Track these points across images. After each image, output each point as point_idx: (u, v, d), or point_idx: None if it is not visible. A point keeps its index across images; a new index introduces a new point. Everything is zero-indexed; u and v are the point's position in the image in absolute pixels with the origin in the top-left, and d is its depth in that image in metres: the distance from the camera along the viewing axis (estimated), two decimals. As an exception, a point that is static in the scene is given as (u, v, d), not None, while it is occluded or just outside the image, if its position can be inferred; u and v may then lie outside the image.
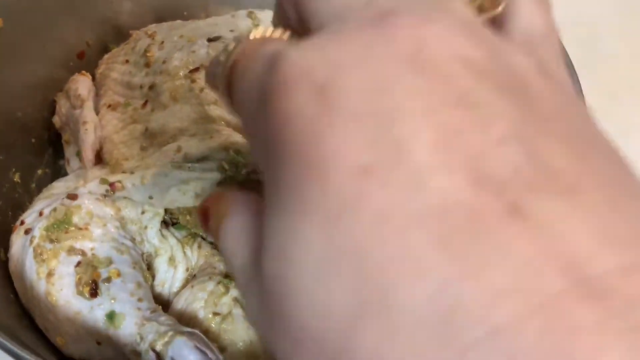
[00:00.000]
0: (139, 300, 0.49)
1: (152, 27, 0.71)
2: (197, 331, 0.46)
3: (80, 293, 0.49)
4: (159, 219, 0.56)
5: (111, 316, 0.48)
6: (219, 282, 0.53)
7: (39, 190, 0.65)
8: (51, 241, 0.51)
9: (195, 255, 0.56)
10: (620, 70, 0.78)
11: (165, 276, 0.55)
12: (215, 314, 0.51)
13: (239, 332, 0.51)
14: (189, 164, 0.54)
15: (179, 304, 0.52)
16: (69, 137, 0.66)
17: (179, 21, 0.73)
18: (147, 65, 0.64)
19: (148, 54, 0.65)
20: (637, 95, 0.81)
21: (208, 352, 0.44)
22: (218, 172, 0.53)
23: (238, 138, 0.54)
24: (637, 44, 0.87)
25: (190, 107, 0.57)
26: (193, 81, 0.58)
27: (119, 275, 0.50)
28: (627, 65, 0.84)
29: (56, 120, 0.67)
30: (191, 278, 0.55)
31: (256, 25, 0.66)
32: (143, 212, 0.56)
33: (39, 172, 0.67)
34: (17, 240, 0.54)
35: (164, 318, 0.48)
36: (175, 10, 0.77)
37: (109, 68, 0.68)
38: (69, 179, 0.59)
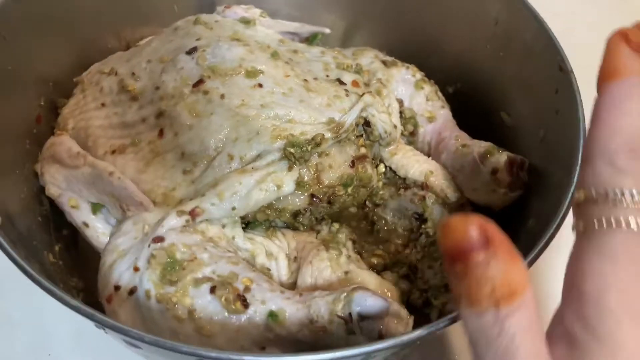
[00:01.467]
0: (282, 292, 0.52)
1: (99, 67, 0.69)
2: (357, 285, 0.51)
3: (234, 310, 0.50)
4: (238, 225, 0.58)
5: (273, 315, 0.50)
6: (328, 249, 0.57)
7: (68, 264, 0.61)
8: (172, 283, 0.51)
9: (285, 242, 0.59)
10: (596, 60, 0.87)
11: (271, 269, 0.58)
12: (346, 272, 0.56)
13: (367, 277, 0.57)
14: (251, 165, 0.56)
15: (306, 281, 0.55)
16: (77, 201, 0.62)
17: (120, 52, 0.72)
18: (134, 99, 0.63)
19: (128, 89, 0.63)
20: None
21: (379, 295, 0.50)
22: (284, 160, 0.56)
23: (282, 124, 0.58)
24: (607, 34, 0.98)
25: (219, 116, 0.58)
26: (206, 92, 0.60)
27: (251, 281, 0.52)
28: (600, 54, 0.93)
29: (53, 189, 0.62)
30: (292, 261, 0.58)
31: (209, 28, 0.68)
32: (223, 226, 0.57)
33: (57, 248, 0.63)
34: (123, 306, 0.52)
35: (316, 292, 0.51)
36: (97, 49, 0.74)
37: (83, 119, 0.65)
38: (125, 230, 0.57)
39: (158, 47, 0.67)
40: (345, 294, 0.49)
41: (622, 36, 0.34)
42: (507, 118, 0.69)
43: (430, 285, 0.59)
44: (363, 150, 0.61)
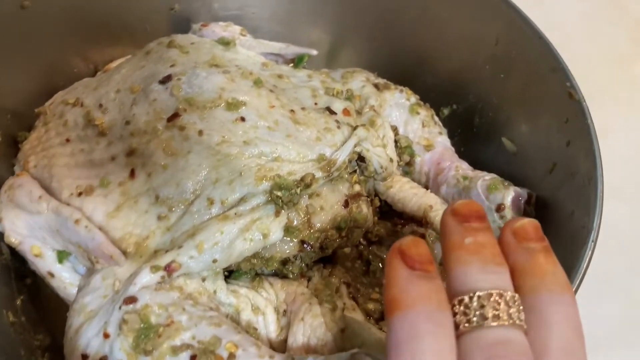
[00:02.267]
0: (270, 357, 0.46)
1: (64, 96, 0.63)
2: (356, 349, 0.45)
3: (217, 383, 0.44)
4: (221, 277, 0.52)
5: (262, 387, 0.44)
6: (322, 303, 0.52)
7: (32, 318, 0.55)
8: (146, 353, 0.45)
9: (273, 293, 0.54)
10: (592, 71, 0.83)
11: (258, 326, 0.52)
12: (342, 330, 0.50)
13: (365, 334, 0.51)
14: (235, 211, 0.51)
15: (298, 340, 0.50)
16: (41, 249, 0.56)
17: (86, 79, 0.65)
18: (102, 134, 0.57)
19: (96, 122, 0.57)
20: (611, 96, 0.86)
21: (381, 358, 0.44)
22: (270, 204, 0.51)
23: (268, 163, 0.52)
24: (604, 46, 0.93)
25: (197, 155, 0.52)
26: (182, 128, 0.54)
27: (236, 346, 0.46)
28: (598, 66, 0.89)
29: (13, 237, 0.56)
30: (281, 315, 0.53)
31: (184, 52, 0.62)
32: (204, 280, 0.51)
33: (18, 301, 0.57)
34: (92, 377, 0.46)
35: (309, 358, 0.46)
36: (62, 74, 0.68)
37: (45, 156, 0.58)
38: (94, 287, 0.51)
39: (128, 74, 0.61)
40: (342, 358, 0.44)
41: (398, 252, 0.32)
42: (509, 144, 0.64)
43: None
44: (357, 187, 0.56)
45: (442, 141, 0.65)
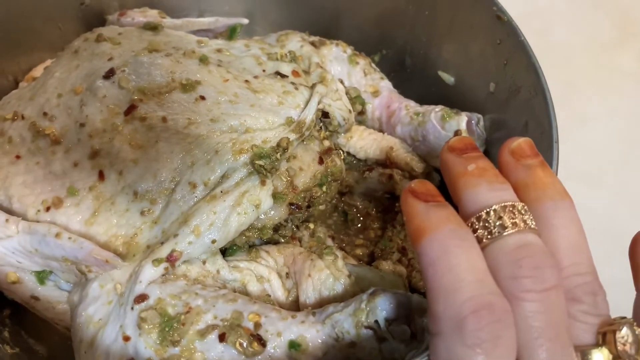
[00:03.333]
0: (293, 317, 0.48)
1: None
2: (373, 288, 0.48)
3: (252, 353, 0.45)
4: (219, 256, 0.53)
5: (294, 345, 0.46)
6: (321, 256, 0.53)
7: (26, 348, 0.53)
8: (174, 344, 0.45)
9: (272, 260, 0.55)
10: (574, 59, 0.79)
11: (269, 293, 0.53)
12: (348, 276, 0.52)
13: (369, 275, 0.54)
14: (220, 189, 0.51)
15: (310, 296, 0.51)
16: (17, 275, 0.53)
17: (16, 91, 0.61)
18: (56, 142, 0.54)
19: (46, 132, 0.54)
20: (592, 83, 0.82)
21: (399, 292, 0.47)
22: (253, 175, 0.51)
23: (241, 136, 0.53)
24: (587, 32, 0.88)
25: (166, 142, 0.52)
26: (143, 119, 0.52)
27: (259, 315, 0.47)
28: (580, 54, 0.84)
29: (-16, 269, 0.52)
30: (285, 278, 0.54)
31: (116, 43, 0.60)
32: (204, 263, 0.51)
33: (6, 333, 0.54)
34: (121, 383, 0.45)
35: (330, 307, 0.48)
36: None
37: (1, 173, 0.54)
38: (94, 296, 0.49)
39: (63, 76, 0.58)
40: (365, 301, 0.46)
41: (410, 193, 0.36)
42: (446, 77, 0.68)
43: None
44: (327, 143, 0.57)
45: (386, 85, 0.68)
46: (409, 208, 0.35)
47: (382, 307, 0.45)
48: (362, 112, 0.66)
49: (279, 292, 0.53)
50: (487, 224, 0.35)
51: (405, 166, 0.62)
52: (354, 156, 0.64)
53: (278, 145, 0.52)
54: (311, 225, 0.60)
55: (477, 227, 0.35)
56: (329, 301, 0.51)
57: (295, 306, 0.52)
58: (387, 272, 0.55)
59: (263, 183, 0.51)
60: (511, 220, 0.34)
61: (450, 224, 0.34)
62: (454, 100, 0.66)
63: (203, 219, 0.49)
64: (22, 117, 0.56)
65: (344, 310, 0.46)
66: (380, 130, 0.66)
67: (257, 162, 0.51)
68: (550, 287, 0.32)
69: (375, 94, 0.66)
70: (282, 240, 0.56)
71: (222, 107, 0.53)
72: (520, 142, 0.38)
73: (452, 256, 0.33)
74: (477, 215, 0.35)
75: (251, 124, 0.53)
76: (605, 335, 0.34)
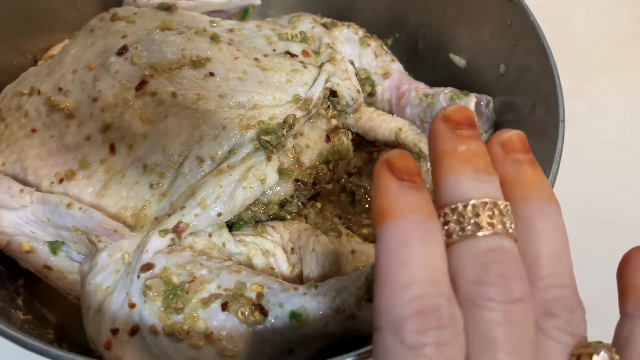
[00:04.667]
0: (295, 289, 0.48)
1: (14, 88, 0.60)
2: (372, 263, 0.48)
3: (254, 322, 0.46)
4: (225, 229, 0.54)
5: (295, 316, 0.46)
6: (325, 232, 0.54)
7: (38, 316, 0.55)
8: (178, 311, 0.46)
9: (277, 235, 0.55)
10: (590, 50, 0.77)
11: (274, 266, 0.54)
12: (352, 251, 0.53)
13: (371, 251, 0.54)
14: (227, 164, 0.52)
15: (313, 271, 0.52)
16: (30, 244, 0.55)
17: (34, 68, 0.63)
18: (70, 116, 0.56)
19: (60, 106, 0.56)
20: (608, 75, 0.81)
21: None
22: (260, 150, 0.52)
23: (248, 112, 0.53)
24: (605, 24, 0.87)
25: (175, 117, 0.53)
26: (153, 94, 0.54)
27: (261, 286, 0.48)
28: (597, 45, 0.83)
29: (0, 238, 0.54)
30: (289, 253, 0.55)
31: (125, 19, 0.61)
32: (210, 236, 0.52)
33: (19, 301, 0.56)
34: (127, 349, 0.47)
35: (331, 280, 0.48)
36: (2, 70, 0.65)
37: (13, 152, 0.56)
38: (103, 265, 0.50)
39: (79, 53, 0.59)
40: (366, 274, 0.46)
41: (386, 164, 0.31)
42: (458, 60, 0.68)
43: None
44: (334, 121, 0.58)
45: (397, 67, 0.68)
46: (380, 182, 0.31)
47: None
48: (371, 94, 0.66)
49: (283, 266, 0.54)
50: (461, 219, 0.31)
51: (413, 147, 0.62)
52: (362, 137, 0.65)
53: (284, 121, 0.53)
54: (318, 204, 0.61)
55: (449, 219, 0.31)
56: (332, 275, 0.51)
57: (299, 280, 0.53)
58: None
59: (269, 159, 0.52)
60: (488, 221, 0.31)
61: (419, 213, 0.30)
62: (465, 82, 0.66)
63: (209, 192, 0.50)
64: (39, 92, 0.57)
65: (345, 283, 0.47)
66: (390, 112, 0.67)
67: (263, 137, 0.51)
68: (515, 299, 0.30)
69: (386, 75, 0.67)
70: (288, 217, 0.57)
71: (230, 83, 0.54)
72: (512, 135, 0.35)
73: (411, 250, 0.29)
74: (453, 206, 0.31)
75: (259, 101, 0.54)
76: (579, 358, 0.31)
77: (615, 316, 0.34)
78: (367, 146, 0.65)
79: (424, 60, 0.73)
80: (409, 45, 0.74)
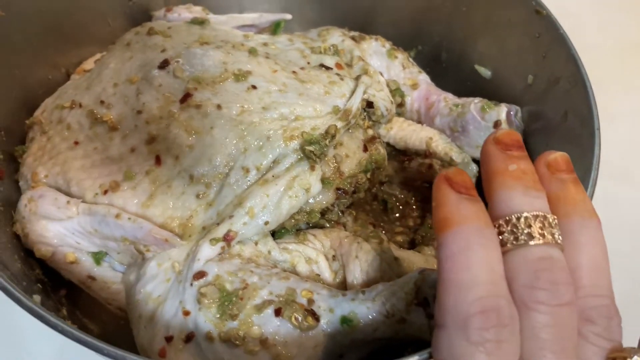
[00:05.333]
0: (344, 295, 0.50)
1: (55, 102, 0.61)
2: (421, 267, 0.49)
3: (307, 327, 0.47)
4: (270, 238, 0.55)
5: (346, 321, 0.47)
6: (367, 239, 0.55)
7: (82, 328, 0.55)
8: (233, 317, 0.47)
9: (319, 242, 0.57)
10: (602, 60, 0.78)
11: (319, 272, 0.55)
12: (395, 258, 0.54)
13: (413, 258, 0.55)
14: (272, 173, 0.53)
15: (357, 277, 0.53)
16: (75, 255, 0.55)
17: (72, 81, 0.64)
18: (114, 129, 0.57)
19: (103, 119, 0.57)
20: (620, 84, 0.84)
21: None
22: (306, 160, 0.53)
23: (291, 124, 0.55)
24: (616, 34, 0.90)
25: (221, 129, 0.54)
26: (198, 106, 0.55)
27: (311, 292, 0.49)
28: (608, 55, 0.86)
29: (44, 249, 0.55)
30: (331, 260, 0.56)
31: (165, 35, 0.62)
32: (256, 244, 0.53)
33: (64, 312, 0.56)
34: (182, 357, 0.47)
35: (379, 286, 0.49)
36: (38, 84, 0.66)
37: (56, 164, 0.57)
38: (152, 274, 0.51)
39: (118, 67, 0.60)
40: (415, 279, 0.48)
41: (445, 180, 0.35)
42: (483, 71, 0.70)
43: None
44: (370, 131, 0.59)
45: (424, 78, 0.70)
46: (441, 195, 0.35)
47: (431, 285, 0.47)
48: (401, 104, 0.68)
49: (326, 273, 0.55)
50: (515, 230, 0.34)
51: (444, 156, 0.64)
52: (393, 147, 0.66)
53: (326, 132, 0.54)
54: (354, 212, 0.62)
55: (504, 230, 0.35)
56: (376, 281, 0.53)
57: (342, 287, 0.54)
58: (430, 256, 0.57)
59: (312, 168, 0.53)
60: (539, 232, 0.34)
61: (478, 221, 0.34)
62: (490, 93, 0.68)
63: (257, 201, 0.51)
64: (80, 105, 0.58)
65: (393, 289, 0.48)
66: (419, 122, 0.68)
67: (307, 147, 0.53)
68: (564, 303, 0.32)
69: (414, 86, 0.68)
70: (328, 225, 0.58)
71: (272, 96, 0.56)
72: (557, 156, 0.38)
73: (472, 253, 0.33)
74: (507, 218, 0.35)
75: (300, 112, 0.55)
76: None
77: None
78: (398, 155, 0.66)
79: (447, 71, 0.75)
80: (432, 57, 0.76)
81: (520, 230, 0.34)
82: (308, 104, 0.56)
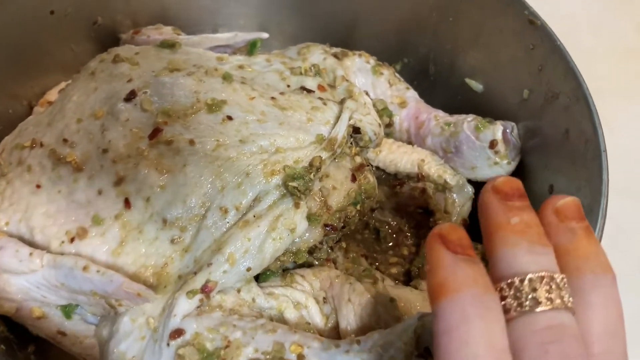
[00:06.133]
0: (337, 346, 0.45)
1: (13, 140, 0.56)
2: (420, 312, 0.45)
3: (298, 388, 0.43)
4: (253, 283, 0.50)
5: (341, 377, 0.43)
6: (360, 279, 0.51)
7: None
8: (214, 381, 0.42)
9: (307, 284, 0.52)
10: (597, 65, 0.74)
11: (308, 320, 0.51)
12: (390, 300, 0.50)
13: (410, 296, 0.51)
14: (252, 213, 0.48)
15: (351, 322, 0.49)
16: (42, 309, 0.51)
17: (32, 117, 0.59)
18: (78, 169, 0.52)
19: (67, 159, 0.52)
20: (617, 90, 0.80)
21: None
22: (286, 197, 0.49)
23: (271, 157, 0.50)
24: (610, 38, 0.86)
25: (195, 166, 0.49)
26: (168, 143, 0.50)
27: (300, 346, 0.45)
28: (603, 60, 0.83)
29: (7, 305, 0.50)
30: (322, 303, 0.51)
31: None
32: (239, 291, 0.49)
33: None
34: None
35: (375, 335, 0.45)
36: None
37: (17, 210, 0.52)
38: (125, 332, 0.47)
39: (81, 100, 0.55)
40: (414, 327, 0.43)
41: (439, 238, 0.32)
42: (474, 84, 0.66)
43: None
44: (358, 159, 0.55)
45: (412, 95, 0.65)
46: (434, 257, 0.31)
47: (431, 333, 0.42)
48: (389, 125, 0.64)
49: (317, 318, 0.51)
50: (518, 294, 0.31)
51: (438, 179, 0.60)
52: (383, 170, 0.62)
53: (310, 164, 0.50)
54: (343, 244, 0.58)
55: (506, 294, 0.31)
56: (371, 326, 0.48)
57: (334, 332, 0.50)
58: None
59: (297, 205, 0.49)
60: (546, 295, 0.31)
61: (476, 287, 0.30)
62: (482, 108, 0.64)
63: (237, 246, 0.47)
64: (41, 145, 0.54)
65: (391, 338, 0.44)
66: (409, 142, 0.64)
67: (290, 184, 0.48)
68: None
69: (402, 105, 0.64)
70: (316, 263, 0.54)
71: (250, 127, 0.51)
72: (567, 202, 0.34)
73: (471, 327, 0.29)
74: (509, 281, 0.31)
75: (281, 144, 0.51)
76: None
77: None
78: (388, 179, 0.62)
79: (436, 85, 0.71)
80: (419, 70, 0.72)
81: (524, 295, 0.31)
82: (289, 133, 0.52)
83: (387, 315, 0.49)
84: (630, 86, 0.83)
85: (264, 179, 0.49)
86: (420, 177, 0.60)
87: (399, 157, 0.61)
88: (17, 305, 0.50)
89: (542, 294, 0.30)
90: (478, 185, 0.60)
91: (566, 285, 0.31)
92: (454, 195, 0.60)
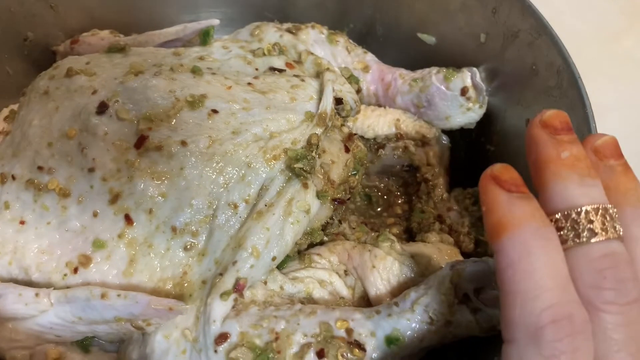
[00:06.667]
0: (377, 312, 0.46)
1: None
2: (451, 261, 0.46)
3: (355, 361, 0.43)
4: (277, 272, 0.50)
5: (392, 340, 0.44)
6: (376, 244, 0.52)
7: None
8: (273, 374, 0.42)
9: (326, 261, 0.52)
10: (584, 48, 0.73)
11: (334, 294, 0.51)
12: (412, 256, 0.51)
13: (426, 251, 0.53)
14: (263, 202, 0.47)
15: (380, 288, 0.50)
16: (58, 350, 0.48)
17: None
18: (65, 195, 0.48)
19: (49, 187, 0.48)
20: (603, 72, 0.78)
21: (477, 260, 0.46)
22: (297, 179, 0.48)
23: (268, 143, 0.49)
24: (595, 19, 0.84)
25: (193, 167, 0.47)
26: (158, 148, 0.48)
27: (345, 320, 0.45)
28: (589, 42, 0.81)
29: (19, 354, 0.46)
30: (344, 276, 0.52)
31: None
32: (265, 283, 0.48)
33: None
34: None
35: (411, 293, 0.46)
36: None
37: (5, 253, 0.48)
38: (162, 350, 0.45)
39: (44, 123, 0.51)
40: (450, 277, 0.45)
41: (492, 179, 0.33)
42: (426, 37, 0.67)
43: (468, 224, 0.57)
44: (346, 129, 0.55)
45: (372, 58, 0.66)
46: (490, 198, 0.32)
47: (468, 279, 0.44)
48: (358, 91, 0.64)
49: (343, 291, 0.51)
50: (575, 226, 0.32)
51: (416, 135, 0.61)
52: (362, 136, 0.62)
53: (309, 143, 0.49)
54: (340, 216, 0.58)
55: (562, 225, 0.32)
56: (401, 287, 0.49)
57: (363, 302, 0.51)
58: (439, 244, 0.54)
59: (305, 186, 0.48)
60: (602, 226, 0.32)
61: (535, 221, 0.31)
62: (438, 59, 0.65)
63: (258, 238, 0.46)
64: (13, 178, 0.49)
65: (428, 292, 0.45)
66: (378, 105, 0.65)
67: (295, 165, 0.48)
68: (632, 300, 0.31)
69: (365, 69, 0.64)
70: (327, 239, 0.54)
71: (238, 116, 0.50)
72: (606, 140, 0.36)
73: (534, 258, 0.30)
74: (565, 212, 0.32)
75: (274, 128, 0.50)
76: None
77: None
78: (369, 144, 0.63)
79: (386, 44, 0.71)
80: (366, 33, 0.72)
81: (582, 227, 0.32)
82: (279, 116, 0.51)
83: (412, 273, 0.50)
84: (616, 68, 0.84)
85: (266, 166, 0.48)
86: (399, 136, 0.61)
87: (374, 121, 0.62)
88: (30, 352, 0.46)
89: (598, 225, 0.32)
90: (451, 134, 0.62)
91: (617, 216, 0.33)
92: (434, 147, 0.61)
